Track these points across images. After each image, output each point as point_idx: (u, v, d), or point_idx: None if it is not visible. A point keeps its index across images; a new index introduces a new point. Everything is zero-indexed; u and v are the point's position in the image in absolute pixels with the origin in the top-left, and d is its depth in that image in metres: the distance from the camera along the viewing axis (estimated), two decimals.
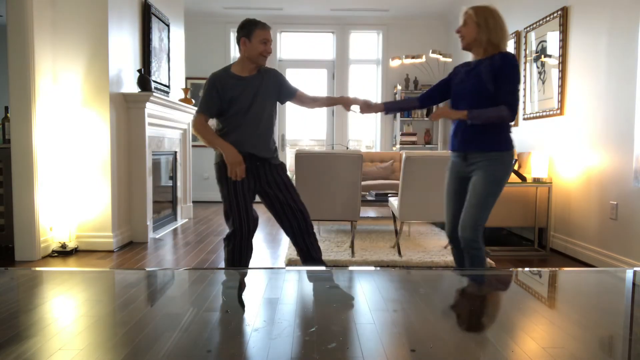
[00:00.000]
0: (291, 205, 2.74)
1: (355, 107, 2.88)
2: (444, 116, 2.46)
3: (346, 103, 2.89)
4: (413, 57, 6.71)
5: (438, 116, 2.46)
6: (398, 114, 7.63)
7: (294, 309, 1.17)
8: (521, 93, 5.19)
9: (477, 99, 2.44)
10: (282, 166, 2.84)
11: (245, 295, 1.33)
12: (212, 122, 2.82)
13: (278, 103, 2.87)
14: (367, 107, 2.84)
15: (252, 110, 2.69)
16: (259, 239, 4.78)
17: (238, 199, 2.67)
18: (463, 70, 2.59)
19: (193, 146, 7.32)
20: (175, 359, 0.89)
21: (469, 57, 2.63)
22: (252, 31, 2.65)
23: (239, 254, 2.70)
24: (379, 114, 8.02)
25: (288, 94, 2.88)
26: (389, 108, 2.87)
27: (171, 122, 5.46)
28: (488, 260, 3.93)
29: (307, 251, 2.78)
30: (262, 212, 2.84)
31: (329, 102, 3.10)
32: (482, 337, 1.04)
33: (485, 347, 0.97)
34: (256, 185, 2.75)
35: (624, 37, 3.55)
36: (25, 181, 3.89)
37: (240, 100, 2.68)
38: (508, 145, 2.48)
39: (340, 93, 8.12)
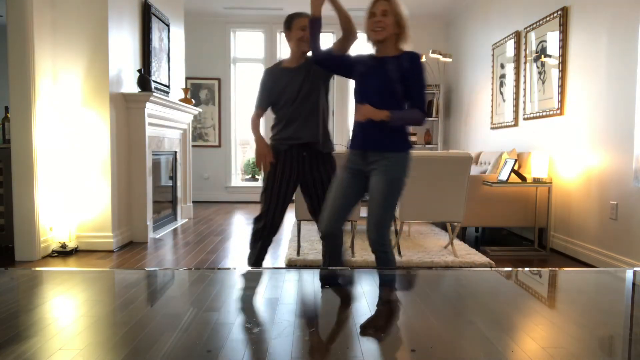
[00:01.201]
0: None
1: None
2: (370, 116, 2.37)
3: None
4: None
5: (364, 116, 2.38)
6: None
7: (294, 309, 1.17)
8: (521, 93, 5.20)
9: (380, 96, 2.41)
10: (331, 160, 2.91)
11: (245, 295, 1.33)
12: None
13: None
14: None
15: (299, 97, 2.78)
16: None
17: (274, 184, 2.80)
18: (369, 62, 2.53)
19: (193, 146, 7.31)
20: (175, 359, 0.89)
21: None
22: (291, 22, 2.79)
23: (267, 233, 2.88)
24: None
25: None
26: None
27: (171, 122, 5.46)
28: (488, 260, 3.93)
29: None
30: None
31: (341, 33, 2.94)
32: (482, 337, 1.04)
33: (486, 347, 0.97)
34: (299, 177, 2.84)
35: (624, 37, 3.55)
36: (25, 181, 3.89)
37: (288, 90, 2.78)
38: (406, 146, 2.48)
39: (340, 92, 8.13)
